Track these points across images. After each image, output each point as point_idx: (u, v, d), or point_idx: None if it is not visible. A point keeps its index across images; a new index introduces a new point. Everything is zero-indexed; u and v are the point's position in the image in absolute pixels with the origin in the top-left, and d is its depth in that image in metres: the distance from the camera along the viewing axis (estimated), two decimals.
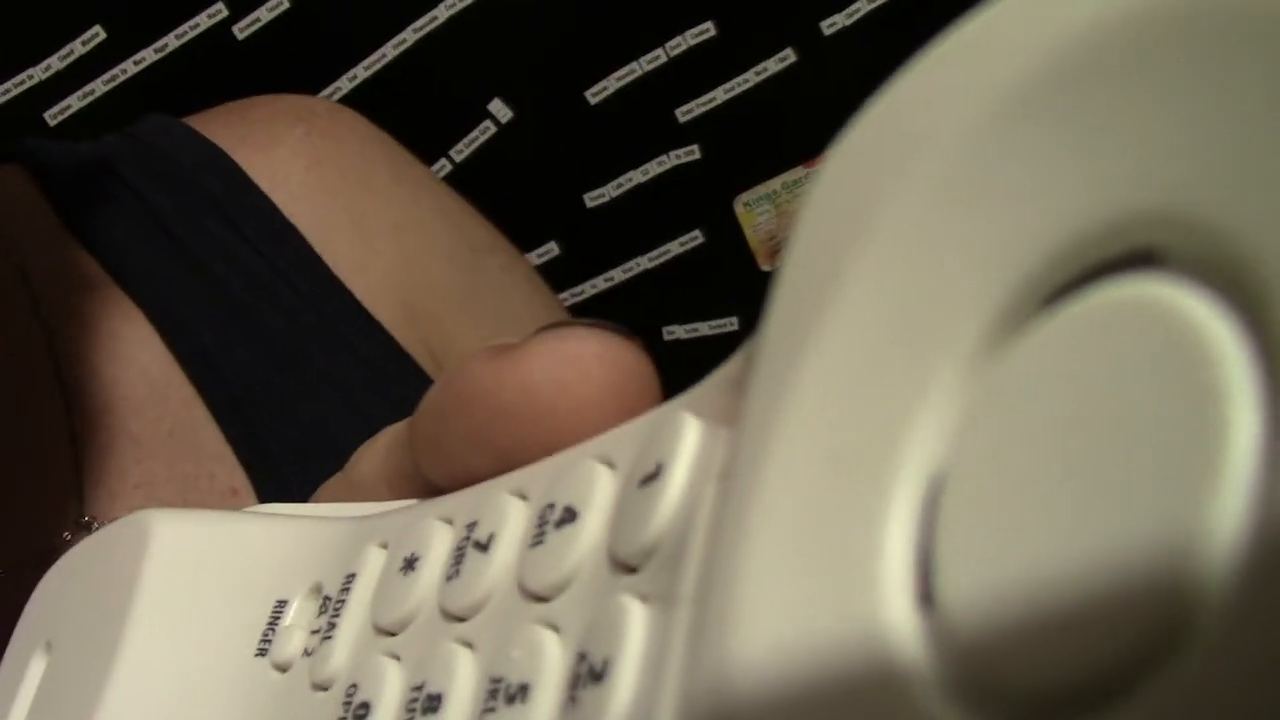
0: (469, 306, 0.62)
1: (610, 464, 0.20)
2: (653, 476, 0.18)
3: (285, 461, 0.53)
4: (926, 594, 0.13)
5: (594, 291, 0.92)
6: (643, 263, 0.92)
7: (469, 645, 0.20)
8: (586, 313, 0.90)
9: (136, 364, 0.54)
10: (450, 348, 0.60)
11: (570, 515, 0.19)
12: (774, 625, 0.14)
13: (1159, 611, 0.11)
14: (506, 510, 0.21)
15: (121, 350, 0.54)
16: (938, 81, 0.15)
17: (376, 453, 0.26)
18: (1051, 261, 0.13)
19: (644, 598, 0.17)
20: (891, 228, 0.15)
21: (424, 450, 0.24)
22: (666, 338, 0.91)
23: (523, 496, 0.21)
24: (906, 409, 0.14)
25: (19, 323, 0.53)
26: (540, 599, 0.19)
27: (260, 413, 0.55)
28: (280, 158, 0.61)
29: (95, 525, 0.49)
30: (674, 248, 0.92)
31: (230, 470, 0.53)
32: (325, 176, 0.61)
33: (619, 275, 0.92)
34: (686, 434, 0.18)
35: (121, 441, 0.52)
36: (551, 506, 0.20)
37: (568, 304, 0.91)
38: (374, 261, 0.60)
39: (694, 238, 0.92)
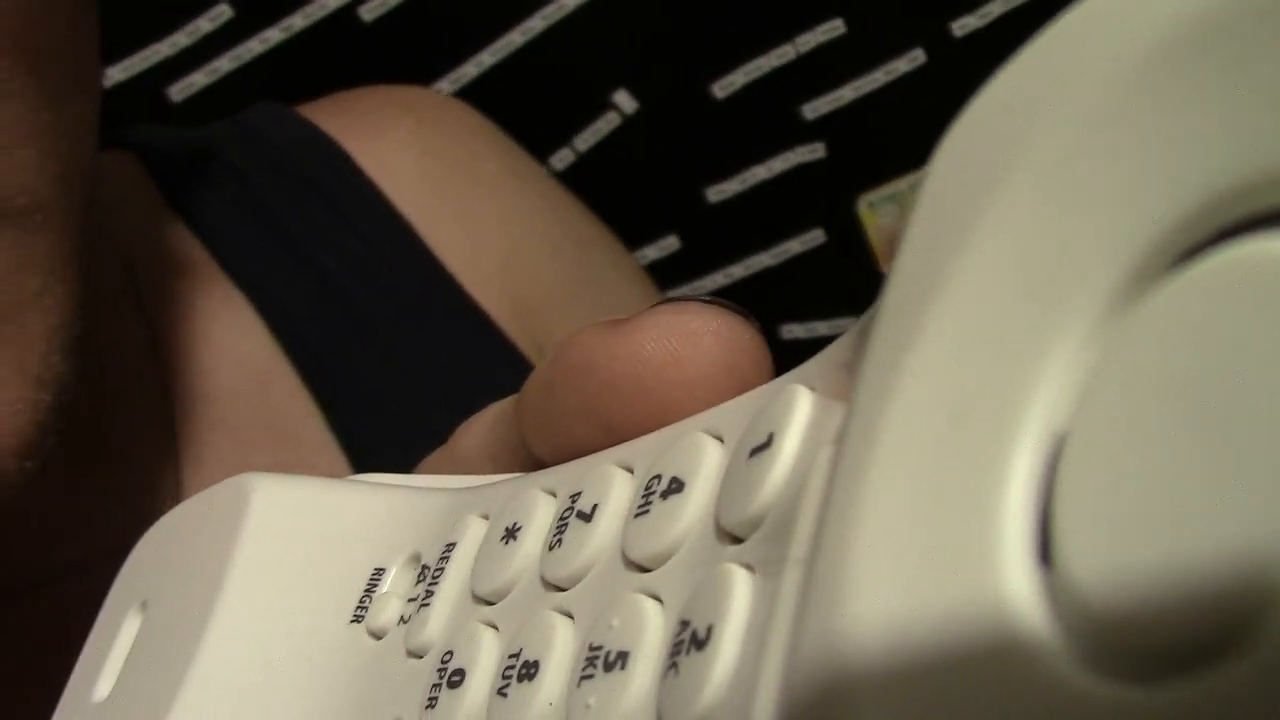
0: (575, 301, 0.62)
1: (719, 437, 0.20)
2: (763, 447, 0.18)
3: (386, 453, 0.53)
4: (1045, 554, 0.13)
5: (713, 286, 0.92)
6: (763, 259, 0.91)
7: (568, 615, 0.20)
8: None
9: (238, 353, 0.55)
10: (555, 340, 0.59)
11: (677, 486, 0.19)
12: (888, 589, 0.14)
13: (1267, 579, 0.11)
14: (611, 481, 0.21)
15: (223, 339, 0.55)
16: (1070, 44, 0.14)
17: (480, 426, 0.26)
18: (1182, 221, 0.13)
19: (749, 567, 0.17)
20: (1020, 187, 0.14)
21: (531, 421, 0.24)
22: (785, 336, 0.91)
23: (628, 469, 0.21)
24: (1030, 368, 0.14)
25: (119, 311, 0.53)
26: (643, 569, 0.19)
27: (362, 404, 0.55)
28: (389, 148, 0.61)
29: None
30: (795, 246, 0.91)
31: (331, 461, 0.53)
32: (434, 168, 0.61)
33: (739, 271, 0.91)
34: (799, 405, 0.18)
35: (220, 431, 0.52)
36: (658, 478, 0.20)
37: (672, 298, 0.91)
38: (481, 254, 0.60)
39: (815, 236, 0.91)
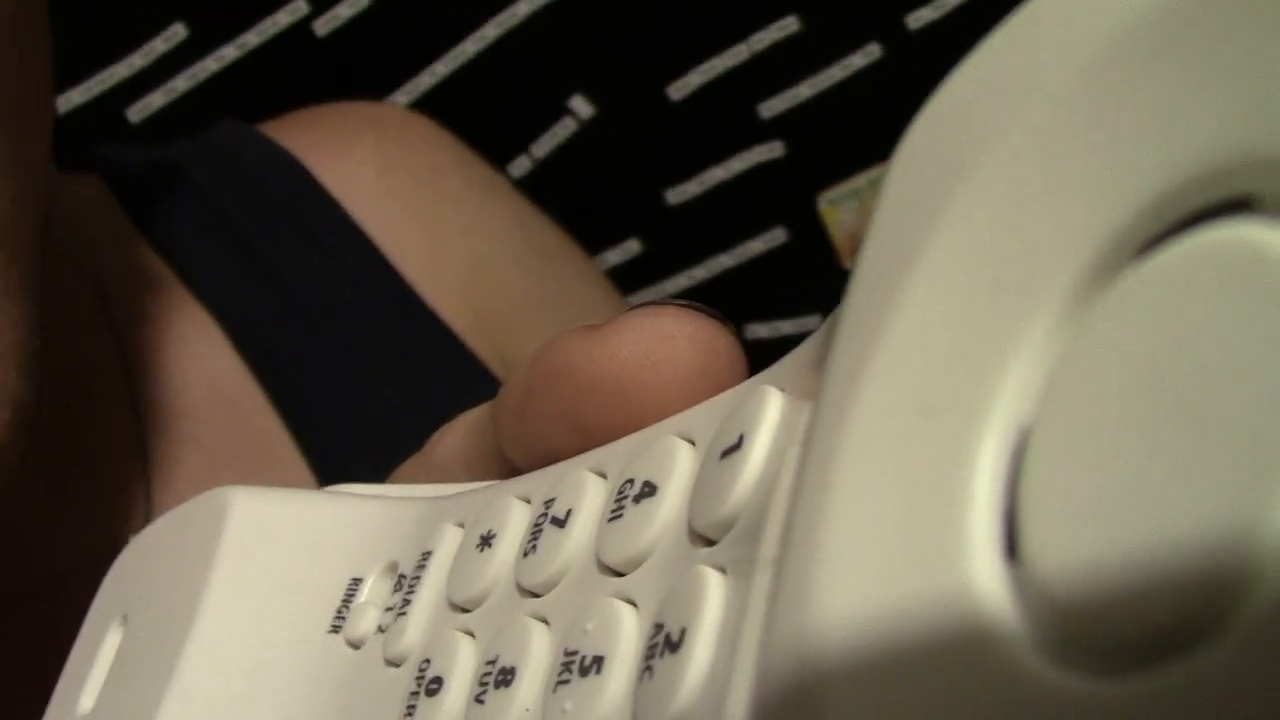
0: (540, 312, 0.62)
1: (690, 440, 0.20)
2: (733, 448, 0.18)
3: (355, 467, 0.52)
4: (1013, 548, 0.13)
5: (675, 289, 0.92)
6: (725, 260, 0.91)
7: (544, 620, 0.20)
8: None
9: (207, 371, 0.55)
10: (520, 352, 0.60)
11: (649, 490, 0.20)
12: (857, 583, 0.14)
13: (1240, 565, 0.11)
14: (585, 486, 0.21)
15: (192, 357, 0.55)
16: (1028, 36, 0.15)
17: (455, 434, 0.27)
18: (1146, 210, 0.13)
19: (721, 569, 0.17)
20: (982, 181, 0.15)
21: (507, 425, 0.24)
22: (750, 336, 0.91)
23: (601, 474, 0.21)
24: (996, 361, 0.14)
25: (89, 330, 0.53)
26: (616, 573, 0.19)
27: (330, 419, 0.55)
28: (352, 164, 0.61)
29: None
30: (757, 245, 0.91)
31: (300, 477, 0.53)
32: (396, 182, 0.61)
33: (701, 273, 0.91)
34: (768, 406, 0.18)
35: (191, 449, 0.52)
36: (631, 482, 0.20)
37: (649, 302, 0.91)
38: (445, 267, 0.60)
39: (777, 235, 0.91)
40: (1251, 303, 0.12)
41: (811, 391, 0.17)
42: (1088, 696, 0.12)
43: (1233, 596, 0.11)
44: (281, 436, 0.54)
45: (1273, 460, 0.11)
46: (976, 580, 0.13)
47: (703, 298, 0.91)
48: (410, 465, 0.28)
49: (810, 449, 0.16)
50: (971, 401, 0.14)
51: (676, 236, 0.91)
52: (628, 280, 0.89)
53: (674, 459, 0.20)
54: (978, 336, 0.14)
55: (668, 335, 0.22)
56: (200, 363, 0.55)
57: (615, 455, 0.21)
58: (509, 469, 0.25)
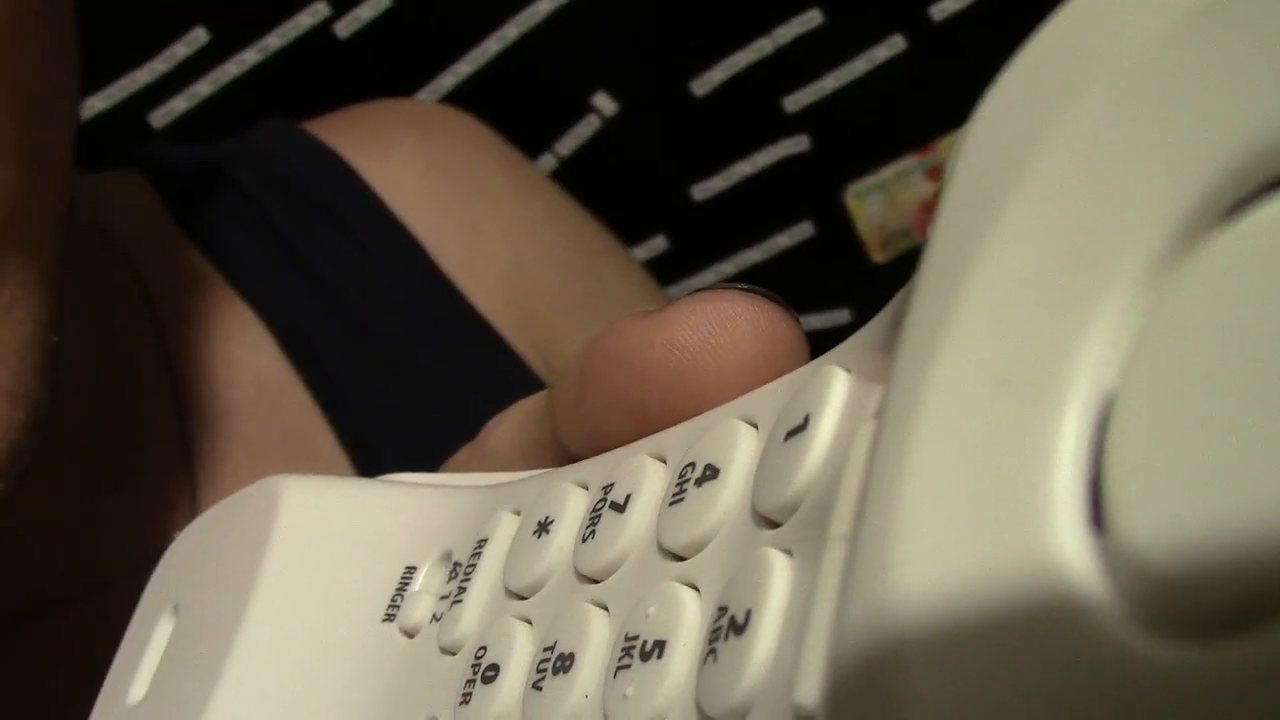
0: (582, 311, 0.62)
1: (753, 423, 0.20)
2: (799, 429, 0.18)
3: (397, 465, 0.53)
4: (1098, 518, 0.13)
5: (703, 285, 0.91)
6: (752, 255, 0.91)
7: (603, 606, 0.20)
8: None
9: (250, 368, 0.55)
10: (563, 351, 0.60)
11: (712, 472, 0.19)
12: (937, 556, 0.14)
13: None
14: (644, 471, 0.21)
15: (235, 354, 0.55)
16: (1106, 1, 0.14)
17: (510, 423, 0.27)
18: (1230, 175, 0.13)
19: (787, 550, 0.17)
20: (1059, 147, 0.14)
21: (564, 412, 0.24)
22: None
23: (661, 459, 0.21)
24: (1076, 330, 0.14)
25: (132, 328, 0.53)
26: (678, 558, 0.19)
27: (372, 417, 0.55)
28: (395, 163, 0.61)
29: None
30: (784, 240, 0.91)
31: (343, 473, 0.54)
32: (439, 181, 0.62)
33: (729, 268, 0.91)
34: (835, 385, 0.18)
35: (235, 445, 0.53)
36: (692, 465, 0.20)
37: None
38: (487, 266, 0.60)
39: (804, 229, 0.91)
40: None
41: (877, 373, 0.17)
42: (1180, 663, 0.11)
43: None
44: (325, 434, 0.55)
45: None
46: (1062, 550, 0.13)
47: None
48: (464, 454, 0.28)
49: (885, 423, 0.15)
50: (1052, 371, 0.14)
51: (703, 232, 0.91)
52: (656, 277, 0.89)
53: (736, 441, 0.19)
54: (1057, 306, 0.14)
55: (728, 319, 0.22)
56: (244, 360, 0.55)
57: (675, 440, 0.21)
58: (565, 457, 0.24)
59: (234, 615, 0.24)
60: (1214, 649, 0.11)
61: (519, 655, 0.21)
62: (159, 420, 0.52)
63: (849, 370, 0.18)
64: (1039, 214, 0.14)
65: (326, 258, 0.58)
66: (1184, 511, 0.12)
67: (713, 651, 0.17)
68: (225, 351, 0.55)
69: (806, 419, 0.18)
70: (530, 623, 0.22)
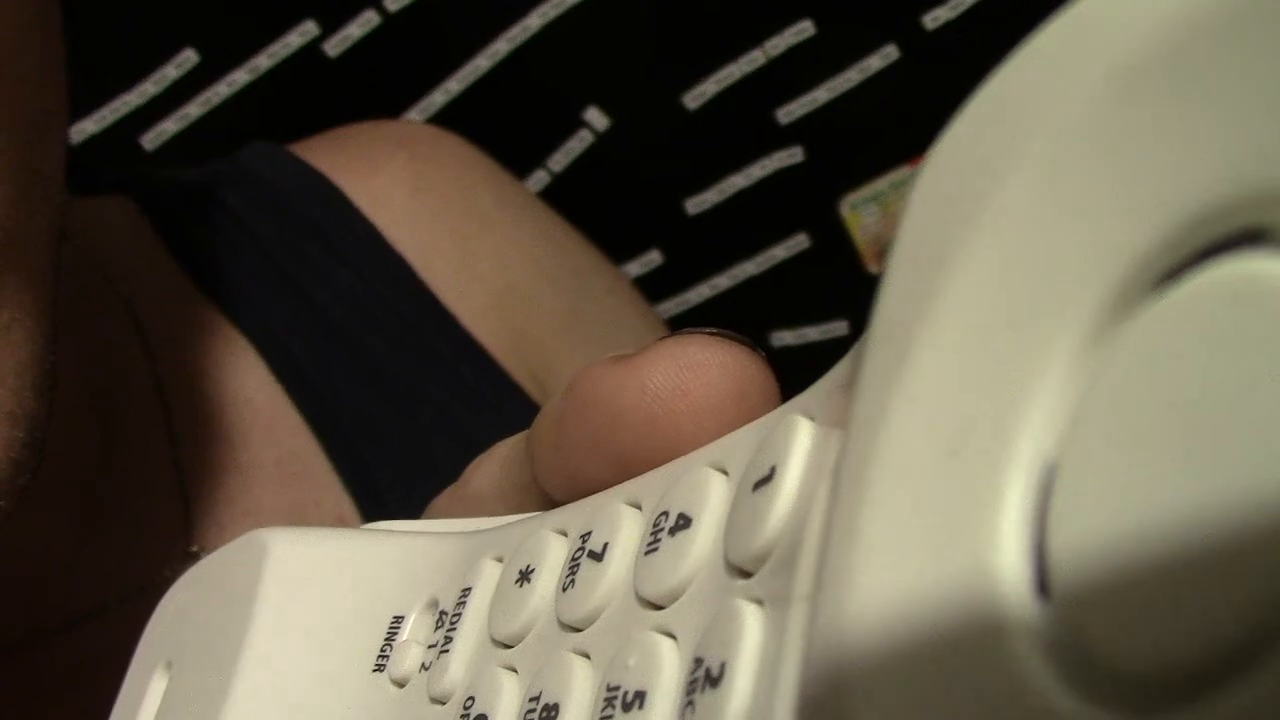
0: (573, 330, 0.63)
1: (724, 470, 0.20)
2: (766, 480, 0.18)
3: (390, 487, 0.54)
4: (1043, 581, 0.13)
5: (699, 299, 0.91)
6: (748, 268, 0.91)
7: (585, 655, 0.20)
8: (691, 321, 0.90)
9: (242, 392, 0.55)
10: (554, 371, 0.61)
11: (684, 522, 0.19)
12: (890, 622, 0.14)
13: (1271, 601, 0.11)
14: (620, 519, 0.21)
15: (227, 378, 0.55)
16: (1045, 65, 0.15)
17: (491, 466, 0.27)
18: (1162, 244, 0.13)
19: (759, 601, 0.17)
20: (998, 215, 0.15)
21: (541, 457, 0.24)
22: (775, 344, 0.90)
23: (636, 505, 0.21)
24: (1018, 396, 0.14)
25: (123, 352, 0.54)
26: (655, 606, 0.19)
27: (365, 439, 0.55)
28: (383, 184, 0.62)
29: (203, 555, 0.50)
30: (779, 252, 0.91)
31: (337, 497, 0.54)
32: (428, 202, 0.62)
33: (724, 281, 0.91)
34: (798, 436, 0.18)
35: (228, 470, 0.53)
36: (665, 514, 0.20)
37: (672, 313, 0.91)
38: (477, 286, 0.60)
39: (800, 241, 0.91)
40: (1264, 335, 0.12)
41: (842, 419, 0.17)
42: None
43: (1259, 640, 0.11)
44: (318, 458, 0.55)
45: None
46: (1008, 618, 0.13)
47: (726, 307, 0.91)
48: (446, 498, 0.28)
49: (839, 488, 0.16)
50: (997, 437, 0.14)
51: (698, 246, 0.91)
52: (651, 291, 0.89)
53: (707, 490, 0.19)
54: (999, 372, 0.14)
55: (698, 364, 0.22)
56: (236, 385, 0.55)
57: (650, 486, 0.21)
58: (546, 500, 0.25)
59: (226, 670, 0.24)
60: None
61: (506, 705, 0.21)
62: (151, 446, 0.52)
63: (813, 418, 0.18)
64: (982, 277, 0.15)
65: (316, 280, 0.59)
66: (1123, 581, 0.12)
67: (690, 703, 0.17)
68: (217, 376, 0.55)
69: (773, 470, 0.18)
70: (516, 671, 0.22)
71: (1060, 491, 0.13)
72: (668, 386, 0.22)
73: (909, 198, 0.16)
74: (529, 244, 0.64)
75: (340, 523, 0.53)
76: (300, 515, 0.53)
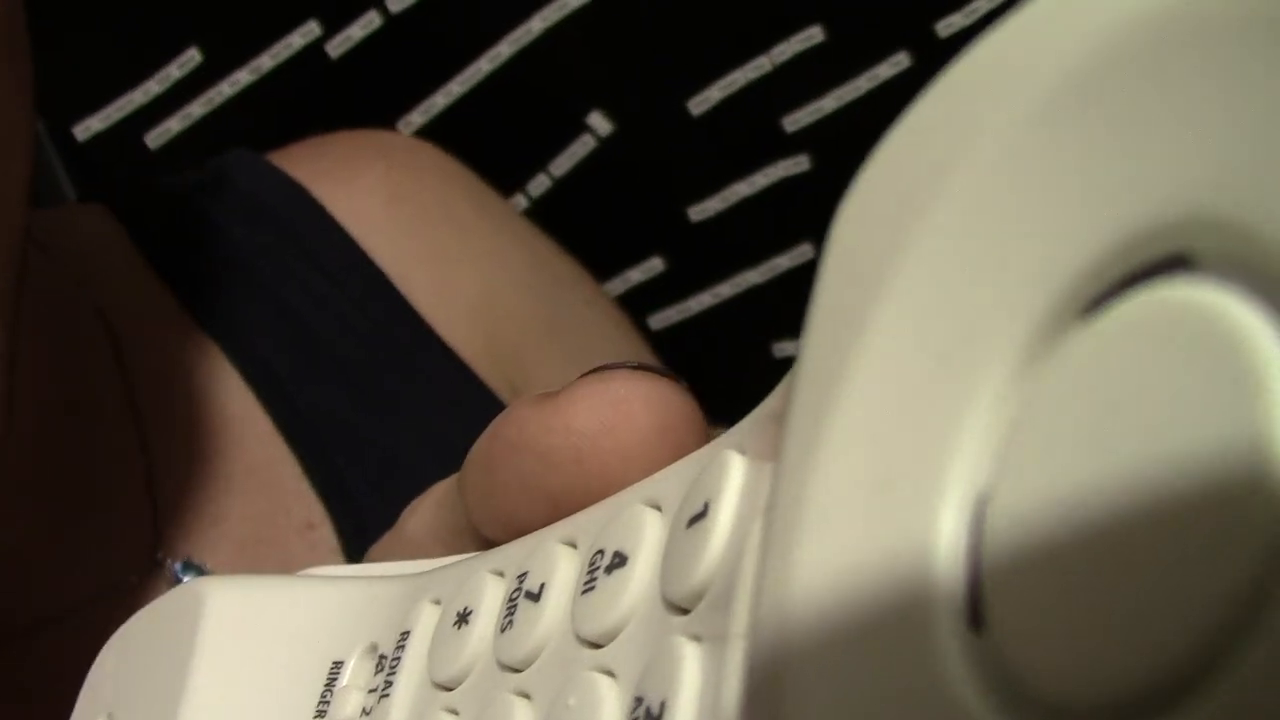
0: (549, 339, 0.63)
1: (657, 506, 0.20)
2: (700, 516, 0.18)
3: (363, 495, 0.54)
4: (976, 613, 0.13)
5: (700, 308, 0.91)
6: (751, 277, 0.91)
7: (526, 696, 0.20)
8: (693, 330, 0.90)
9: (214, 400, 0.55)
10: (530, 380, 0.61)
11: (620, 560, 0.20)
12: (825, 662, 0.14)
13: (1205, 629, 0.11)
14: (556, 559, 0.21)
15: (199, 386, 0.56)
16: (964, 95, 0.15)
17: (426, 509, 0.27)
18: (1087, 272, 0.13)
19: (697, 638, 0.17)
20: (921, 246, 0.15)
21: (473, 500, 0.24)
22: (777, 355, 0.90)
23: (572, 544, 0.21)
24: (949, 427, 0.14)
25: (94, 359, 0.54)
26: (594, 645, 0.20)
27: (337, 447, 0.55)
28: (359, 192, 0.62)
29: (169, 562, 0.50)
30: (783, 261, 0.90)
31: (308, 505, 0.54)
32: (405, 211, 0.62)
33: (726, 290, 0.91)
34: (731, 472, 0.18)
35: (197, 478, 0.53)
36: (601, 553, 0.20)
37: (674, 320, 0.91)
38: (453, 295, 0.61)
39: (804, 251, 0.90)
40: (1191, 362, 0.12)
41: (773, 452, 0.17)
42: None
43: (1198, 667, 0.11)
44: (291, 468, 0.55)
45: (1226, 513, 0.11)
46: (942, 652, 0.13)
47: (729, 315, 0.91)
48: (385, 542, 0.28)
49: (772, 524, 0.16)
50: (927, 473, 0.14)
51: (700, 253, 0.91)
52: (651, 299, 0.89)
53: (642, 528, 0.20)
54: (927, 406, 0.14)
55: (620, 400, 0.22)
56: (209, 393, 0.56)
57: (584, 525, 0.21)
58: (482, 541, 0.25)
59: None
60: None
61: None
62: (121, 454, 0.52)
63: (744, 453, 0.18)
64: (904, 314, 0.15)
65: (292, 288, 0.59)
66: (1054, 612, 0.12)
67: None
68: (189, 385, 0.55)
69: (706, 506, 0.18)
70: (457, 714, 0.22)
71: (993, 520, 0.13)
72: (593, 425, 0.22)
73: (831, 227, 0.16)
74: (507, 254, 0.64)
75: (309, 529, 0.53)
76: (269, 523, 0.53)
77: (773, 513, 0.16)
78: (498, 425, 0.23)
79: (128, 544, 0.50)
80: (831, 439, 0.15)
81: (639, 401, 0.22)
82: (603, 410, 0.22)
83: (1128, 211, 0.13)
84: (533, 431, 0.22)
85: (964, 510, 0.14)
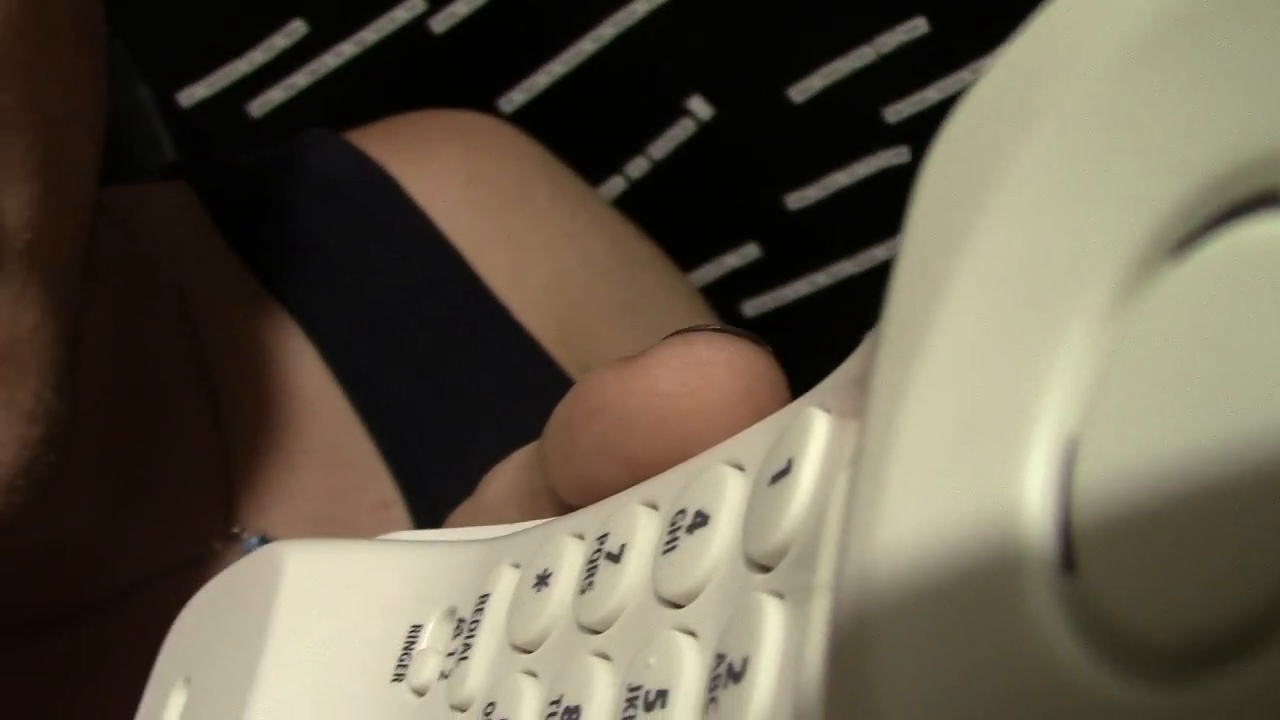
0: (624, 322, 0.63)
1: (740, 466, 0.20)
2: (783, 473, 0.18)
3: (436, 476, 0.54)
4: (1068, 556, 0.13)
5: (795, 296, 0.91)
6: (847, 267, 0.90)
7: (605, 657, 0.20)
8: (789, 318, 0.89)
9: (290, 378, 0.56)
10: (603, 362, 0.60)
11: (702, 519, 0.20)
12: (912, 609, 0.14)
13: None
14: (637, 520, 0.21)
15: (274, 365, 0.56)
16: (1054, 39, 0.15)
17: (505, 474, 0.27)
18: (1176, 210, 0.13)
19: (779, 595, 0.17)
20: (1010, 190, 0.15)
21: (554, 464, 0.24)
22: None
23: (653, 506, 0.21)
24: (1037, 371, 0.14)
25: (171, 337, 0.54)
26: (675, 605, 0.20)
27: (412, 428, 0.56)
28: (437, 173, 0.62)
29: (245, 536, 0.51)
30: (880, 253, 0.90)
31: (382, 485, 0.54)
32: (482, 192, 0.63)
33: (822, 279, 0.90)
34: (815, 428, 0.18)
35: (272, 455, 0.54)
36: (682, 512, 0.20)
37: (768, 307, 0.90)
38: (529, 277, 0.61)
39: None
40: None
41: (857, 410, 0.17)
42: (1147, 705, 0.12)
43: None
44: (364, 445, 0.55)
45: None
46: (1034, 594, 0.13)
47: (824, 304, 0.90)
48: (464, 509, 0.28)
49: (858, 474, 0.16)
50: (1016, 416, 0.14)
51: (797, 241, 0.90)
52: (747, 285, 0.89)
53: (724, 487, 0.20)
54: (1017, 349, 0.14)
55: (703, 362, 0.22)
56: (283, 371, 0.56)
57: (666, 486, 0.21)
58: (560, 506, 0.25)
59: (244, 684, 0.24)
60: (1177, 692, 0.12)
61: (526, 710, 0.21)
62: (195, 430, 0.53)
63: (828, 410, 0.18)
64: (994, 256, 0.15)
65: (368, 268, 0.59)
66: (1148, 554, 0.12)
67: (713, 700, 0.17)
68: (264, 362, 0.56)
69: (789, 463, 0.18)
70: (536, 676, 0.22)
71: (1083, 464, 0.13)
72: (675, 387, 0.22)
73: (919, 179, 0.16)
74: (583, 236, 0.64)
75: (383, 509, 0.53)
76: (343, 501, 0.53)
77: (858, 465, 0.16)
78: (579, 389, 0.23)
79: (202, 519, 0.51)
80: (918, 387, 0.15)
81: (722, 364, 0.22)
82: (685, 372, 0.22)
83: (1218, 148, 0.13)
84: (614, 394, 0.22)
85: (1054, 451, 0.14)
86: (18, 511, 0.37)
